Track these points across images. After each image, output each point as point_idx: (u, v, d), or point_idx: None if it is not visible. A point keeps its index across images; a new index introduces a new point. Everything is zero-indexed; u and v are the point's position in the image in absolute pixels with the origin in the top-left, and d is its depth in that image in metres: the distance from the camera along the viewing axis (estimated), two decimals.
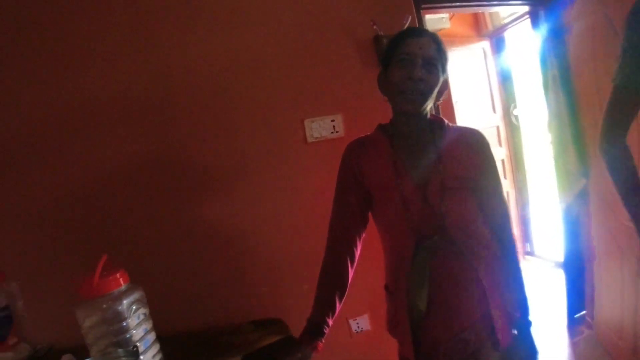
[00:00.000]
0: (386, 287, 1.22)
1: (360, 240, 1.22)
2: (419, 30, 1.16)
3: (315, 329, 1.14)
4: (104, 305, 1.09)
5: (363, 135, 1.23)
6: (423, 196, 1.08)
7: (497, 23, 3.29)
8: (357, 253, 1.22)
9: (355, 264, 1.21)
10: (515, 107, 3.56)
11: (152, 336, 1.20)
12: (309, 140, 1.64)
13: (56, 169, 1.58)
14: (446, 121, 1.18)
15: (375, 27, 1.60)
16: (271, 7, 1.61)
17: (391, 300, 1.18)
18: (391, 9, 1.66)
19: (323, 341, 1.15)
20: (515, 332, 1.11)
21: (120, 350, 1.04)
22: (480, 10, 2.94)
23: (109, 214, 1.60)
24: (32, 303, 1.61)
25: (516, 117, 3.57)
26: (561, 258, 2.61)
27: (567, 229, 2.52)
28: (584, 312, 2.53)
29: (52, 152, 1.57)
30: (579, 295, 2.51)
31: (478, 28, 3.50)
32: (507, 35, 3.29)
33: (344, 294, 1.19)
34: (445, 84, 1.13)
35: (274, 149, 1.62)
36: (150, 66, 1.55)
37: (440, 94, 1.13)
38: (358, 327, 1.77)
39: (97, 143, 1.56)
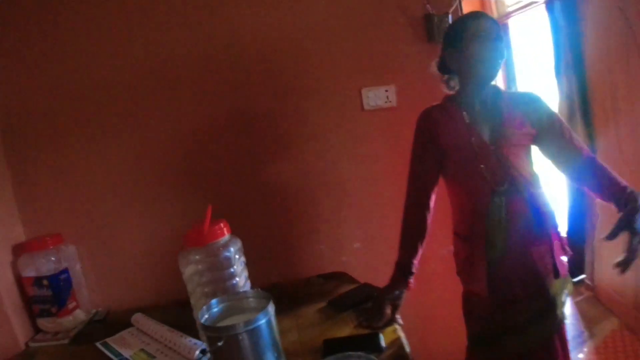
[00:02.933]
0: (457, 234, 1.37)
1: (434, 193, 1.37)
2: (484, 14, 1.32)
3: (405, 269, 1.30)
4: (214, 253, 1.17)
5: (433, 105, 1.38)
6: (494, 151, 1.25)
7: (502, 11, 3.48)
8: (432, 205, 1.37)
9: (431, 214, 1.36)
10: (516, 90, 3.77)
11: (249, 284, 1.29)
12: (366, 108, 1.74)
13: (127, 130, 1.65)
14: (501, 89, 1.36)
15: (428, 5, 1.72)
16: None
17: (464, 244, 1.34)
18: None
19: (413, 280, 1.29)
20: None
21: (249, 290, 1.13)
22: None
23: (182, 176, 1.70)
24: (88, 267, 1.68)
25: None
26: (565, 228, 2.82)
27: (572, 201, 2.75)
28: (583, 275, 2.78)
29: (125, 112, 1.64)
30: (579, 261, 2.76)
31: None
32: (511, 22, 3.49)
33: (424, 241, 1.34)
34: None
35: (335, 115, 1.73)
36: (226, 32, 1.66)
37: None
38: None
39: (171, 105, 1.66)
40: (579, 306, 2.62)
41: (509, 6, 3.37)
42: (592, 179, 1.25)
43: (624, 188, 1.16)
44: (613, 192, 1.19)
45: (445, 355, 1.74)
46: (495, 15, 3.57)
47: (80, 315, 1.54)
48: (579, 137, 1.34)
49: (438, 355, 1.82)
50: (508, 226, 1.23)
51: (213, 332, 0.91)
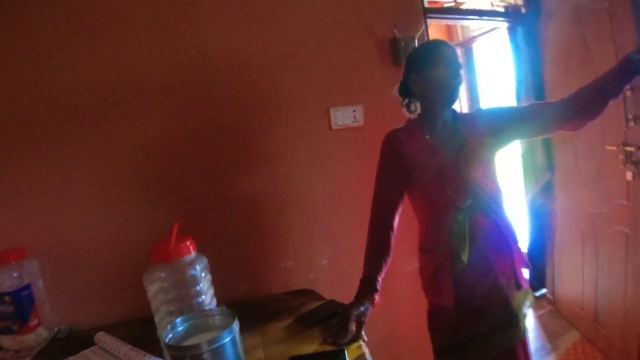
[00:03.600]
0: (422, 249, 1.42)
1: (398, 213, 1.41)
2: (446, 43, 1.41)
3: (370, 286, 1.33)
4: (179, 270, 1.17)
5: (396, 128, 1.45)
6: (457, 170, 1.32)
7: (467, 35, 3.65)
8: (396, 224, 1.41)
9: (395, 232, 1.40)
10: None
11: (215, 302, 1.29)
12: (333, 127, 1.79)
13: (89, 142, 1.63)
14: (457, 111, 1.45)
15: (395, 30, 1.79)
16: (304, 5, 1.75)
17: (430, 259, 1.39)
18: (405, 16, 1.84)
19: (377, 296, 1.32)
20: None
21: (215, 308, 1.14)
22: (468, 23, 3.26)
23: (148, 192, 1.69)
24: (50, 283, 1.63)
25: None
26: (526, 245, 2.94)
27: (532, 218, 2.86)
28: (544, 290, 2.88)
29: (88, 124, 1.62)
30: (540, 276, 2.86)
31: (450, 38, 3.85)
32: (475, 46, 3.66)
33: (389, 259, 1.38)
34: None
35: (304, 133, 1.77)
36: (201, 48, 1.68)
37: None
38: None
39: (143, 117, 1.66)
40: (541, 320, 2.71)
41: (473, 30, 3.53)
42: (584, 101, 1.30)
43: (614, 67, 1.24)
44: (611, 75, 1.26)
45: None
46: (460, 39, 3.74)
47: (42, 333, 1.51)
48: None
49: None
50: (471, 240, 1.30)
51: (177, 352, 0.91)
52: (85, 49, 1.59)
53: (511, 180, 3.21)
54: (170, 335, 0.99)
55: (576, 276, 2.47)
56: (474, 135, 1.36)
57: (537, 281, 2.88)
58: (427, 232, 1.40)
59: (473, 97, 3.88)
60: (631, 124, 1.92)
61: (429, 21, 1.91)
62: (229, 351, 0.93)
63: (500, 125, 1.36)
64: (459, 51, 3.77)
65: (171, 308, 1.18)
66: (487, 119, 1.39)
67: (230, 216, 1.73)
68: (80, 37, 1.59)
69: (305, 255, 1.81)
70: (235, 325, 0.96)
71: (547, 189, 2.67)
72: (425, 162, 1.35)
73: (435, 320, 1.42)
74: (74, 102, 1.59)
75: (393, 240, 1.39)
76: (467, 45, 3.75)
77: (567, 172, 2.51)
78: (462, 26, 3.66)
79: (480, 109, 1.50)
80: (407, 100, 1.45)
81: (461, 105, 3.84)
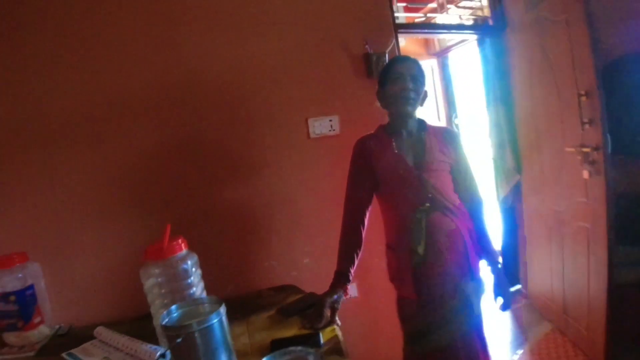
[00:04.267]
0: (389, 247, 1.58)
1: (368, 212, 1.58)
2: (405, 57, 1.59)
3: (342, 277, 1.49)
4: (172, 265, 1.30)
5: (367, 134, 1.62)
6: (417, 175, 1.48)
7: (444, 45, 3.84)
8: (366, 222, 1.57)
9: (365, 227, 1.56)
10: (456, 116, 4.13)
11: (205, 295, 1.42)
12: (312, 136, 1.95)
13: (86, 152, 1.76)
14: (427, 121, 1.60)
15: (367, 46, 1.96)
16: (282, 22, 1.91)
17: (394, 255, 1.55)
18: (377, 32, 2.02)
19: (349, 286, 1.48)
20: (492, 274, 1.54)
21: (203, 297, 1.27)
22: (439, 37, 3.44)
23: (137, 196, 1.81)
24: (51, 284, 1.73)
25: (457, 125, 4.14)
26: (499, 243, 3.11)
27: (503, 218, 3.03)
28: (519, 285, 3.04)
29: (84, 135, 1.75)
30: (514, 272, 3.02)
31: (427, 48, 4.05)
32: (451, 55, 3.85)
33: (360, 252, 1.54)
34: (425, 93, 1.58)
35: (284, 142, 1.92)
36: (183, 64, 1.82)
37: (422, 100, 1.56)
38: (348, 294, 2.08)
39: (128, 128, 1.78)
40: (516, 313, 2.87)
41: (449, 41, 3.72)
42: (474, 221, 1.56)
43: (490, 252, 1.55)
44: (484, 247, 1.55)
45: (389, 357, 1.92)
46: (437, 49, 3.92)
47: (44, 330, 1.60)
48: (476, 183, 1.64)
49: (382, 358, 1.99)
50: (428, 236, 1.45)
51: (171, 332, 1.04)
52: (77, 69, 1.73)
53: (483, 182, 3.37)
54: (167, 320, 1.12)
55: (545, 271, 2.63)
56: (435, 149, 1.52)
57: (512, 277, 3.03)
58: (391, 231, 1.57)
59: (450, 103, 4.08)
60: (586, 126, 2.07)
61: (405, 35, 2.07)
62: (217, 331, 1.06)
63: (451, 157, 1.55)
64: (435, 60, 3.98)
65: (166, 301, 1.31)
66: (448, 142, 1.56)
67: (218, 221, 1.87)
68: (73, 58, 1.72)
69: (288, 255, 1.96)
70: (222, 309, 1.10)
71: (516, 190, 2.84)
72: (390, 168, 1.51)
73: (402, 310, 1.57)
74: (72, 119, 1.72)
75: (363, 235, 1.55)
76: (443, 54, 3.95)
77: (533, 173, 2.68)
78: (439, 40, 3.86)
79: (449, 130, 1.69)
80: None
81: (438, 111, 4.03)
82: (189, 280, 1.33)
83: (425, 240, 1.44)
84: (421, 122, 1.59)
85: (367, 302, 2.03)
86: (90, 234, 1.77)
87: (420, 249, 1.44)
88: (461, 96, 3.99)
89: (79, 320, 1.72)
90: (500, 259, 1.59)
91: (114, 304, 1.78)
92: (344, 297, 1.45)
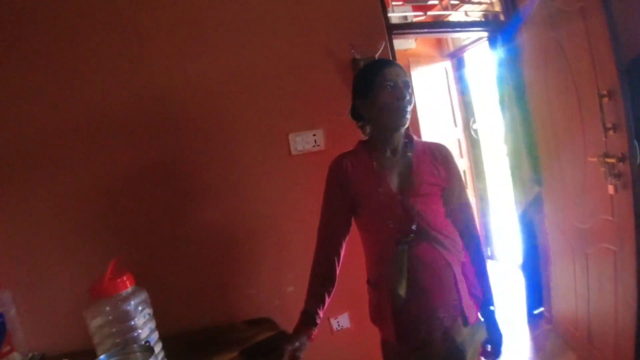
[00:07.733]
0: (369, 282, 1.37)
1: (344, 241, 1.37)
2: (390, 61, 1.37)
3: (309, 320, 1.28)
4: (114, 306, 1.19)
5: (346, 151, 1.40)
6: (400, 201, 1.26)
7: (458, 44, 3.59)
8: (342, 253, 1.36)
9: (340, 262, 1.36)
10: (474, 121, 3.85)
11: (155, 335, 1.29)
12: (293, 153, 1.78)
13: (55, 178, 1.66)
14: (415, 137, 1.37)
15: (353, 51, 1.78)
16: (259, 31, 1.76)
17: (374, 292, 1.34)
18: (367, 35, 1.83)
19: (316, 330, 1.28)
20: (482, 317, 1.29)
21: (135, 345, 1.13)
22: (442, 36, 3.21)
23: (108, 222, 1.71)
24: (23, 312, 1.66)
25: (475, 130, 3.86)
26: (520, 261, 2.84)
27: (524, 233, 2.76)
28: (542, 308, 2.76)
29: (52, 161, 1.66)
30: (536, 293, 2.75)
31: (440, 49, 3.79)
32: (467, 55, 3.59)
33: (332, 289, 1.34)
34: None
35: (262, 160, 1.77)
36: (152, 82, 1.70)
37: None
38: (338, 325, 1.90)
39: (98, 153, 1.68)
40: (537, 340, 2.60)
41: (463, 40, 3.47)
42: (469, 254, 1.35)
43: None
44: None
45: None
46: (451, 49, 3.68)
47: (17, 357, 1.55)
48: (472, 211, 1.42)
49: None
50: (410, 273, 1.23)
51: None
52: (45, 94, 1.63)
53: (502, 194, 3.11)
54: None
55: (570, 294, 2.35)
56: (423, 168, 1.30)
57: (534, 298, 2.76)
58: (370, 264, 1.36)
59: (467, 107, 3.80)
60: (610, 132, 1.81)
61: (409, 36, 1.87)
62: None
63: (442, 179, 1.32)
64: (449, 62, 3.75)
65: (117, 340, 1.19)
66: (439, 162, 1.33)
67: (192, 246, 1.73)
68: (37, 82, 1.62)
69: (269, 282, 1.80)
70: None
71: (536, 203, 2.57)
72: (369, 191, 1.29)
73: (385, 354, 1.37)
74: (37, 143, 1.63)
75: (338, 270, 1.35)
76: (458, 55, 3.69)
77: (554, 185, 2.41)
78: (452, 39, 3.61)
79: (441, 147, 1.39)
80: (361, 122, 1.40)
81: (454, 116, 3.78)
82: (132, 322, 1.20)
83: (406, 277, 1.23)
84: (409, 137, 1.36)
85: (360, 334, 1.85)
86: (60, 261, 1.68)
87: (401, 289, 1.22)
88: (479, 99, 3.72)
89: (53, 349, 1.64)
90: (494, 303, 1.34)
91: (86, 333, 1.67)
92: (307, 344, 1.25)
